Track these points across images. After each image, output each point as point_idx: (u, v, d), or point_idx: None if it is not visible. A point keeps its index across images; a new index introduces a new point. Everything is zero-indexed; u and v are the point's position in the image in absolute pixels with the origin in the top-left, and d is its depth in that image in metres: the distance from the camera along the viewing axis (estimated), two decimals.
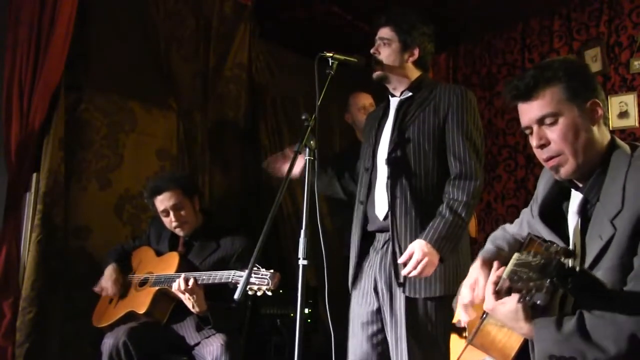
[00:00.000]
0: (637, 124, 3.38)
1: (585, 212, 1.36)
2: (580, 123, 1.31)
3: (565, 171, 1.33)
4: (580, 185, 1.37)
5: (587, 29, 3.66)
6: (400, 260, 1.93)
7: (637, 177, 1.24)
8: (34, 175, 2.65)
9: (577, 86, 1.32)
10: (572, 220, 1.40)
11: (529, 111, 1.35)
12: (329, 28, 3.94)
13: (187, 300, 2.31)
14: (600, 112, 1.33)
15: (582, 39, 3.68)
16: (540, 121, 1.33)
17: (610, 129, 3.45)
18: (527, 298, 1.08)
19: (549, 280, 1.06)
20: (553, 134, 1.32)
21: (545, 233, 1.47)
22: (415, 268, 1.87)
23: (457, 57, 4.49)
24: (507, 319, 1.25)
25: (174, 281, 2.39)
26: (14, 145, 2.53)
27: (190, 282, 2.28)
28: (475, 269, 1.56)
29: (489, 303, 1.26)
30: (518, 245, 1.62)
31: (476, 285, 1.49)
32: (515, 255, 1.14)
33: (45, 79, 2.58)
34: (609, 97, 3.48)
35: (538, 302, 1.07)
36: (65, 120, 2.75)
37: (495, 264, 1.36)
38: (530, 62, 3.95)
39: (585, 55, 3.61)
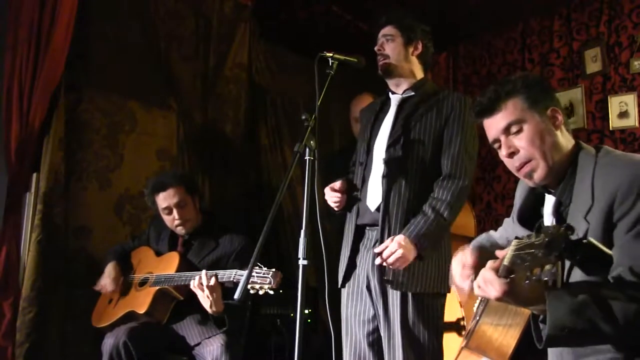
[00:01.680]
0: (637, 124, 3.37)
1: (559, 213, 1.41)
2: (544, 128, 1.38)
3: (538, 176, 1.38)
4: (553, 190, 1.42)
5: (587, 29, 3.66)
6: (376, 250, 1.96)
7: (603, 173, 1.29)
8: (34, 175, 2.66)
9: (536, 95, 1.41)
10: (548, 221, 1.45)
11: (495, 124, 1.42)
12: (329, 28, 3.94)
13: (205, 299, 2.24)
14: (560, 118, 1.41)
15: (582, 39, 3.67)
16: (506, 130, 1.40)
17: (610, 129, 3.46)
18: (534, 278, 1.07)
19: (555, 255, 1.06)
20: (520, 141, 1.38)
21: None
22: (388, 258, 1.90)
23: (457, 57, 4.49)
24: (522, 298, 1.22)
25: (174, 280, 2.40)
26: (14, 145, 2.53)
27: (213, 280, 2.23)
28: (458, 254, 1.63)
29: (500, 289, 1.19)
30: (500, 249, 1.65)
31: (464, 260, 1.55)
32: (515, 242, 1.14)
33: (45, 79, 2.58)
34: (609, 97, 3.49)
35: (546, 279, 1.06)
36: (65, 120, 2.75)
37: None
38: (530, 62, 3.95)
39: (585, 55, 3.61)
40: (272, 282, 2.07)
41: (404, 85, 2.18)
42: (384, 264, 1.92)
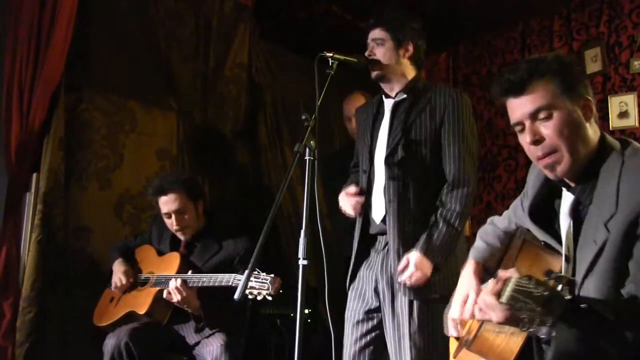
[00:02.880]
0: (637, 124, 3.37)
1: (577, 214, 1.32)
2: (575, 119, 1.27)
3: (561, 170, 1.28)
4: (572, 184, 1.33)
5: (587, 29, 3.66)
6: (398, 268, 1.98)
7: (630, 178, 1.20)
8: (34, 175, 2.66)
9: (572, 81, 1.28)
10: (564, 222, 1.37)
11: (522, 105, 1.29)
12: (328, 28, 3.94)
13: (179, 304, 2.32)
14: (593, 110, 1.30)
15: (582, 39, 3.67)
16: (534, 116, 1.27)
17: (610, 129, 3.45)
18: (532, 329, 1.05)
19: (553, 316, 1.03)
20: (547, 129, 1.26)
21: (538, 233, 1.45)
22: (410, 278, 1.95)
23: (457, 57, 4.49)
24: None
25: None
26: (14, 145, 2.53)
27: (178, 283, 2.30)
28: (467, 279, 1.55)
29: (502, 315, 1.16)
30: (509, 239, 1.60)
31: (467, 300, 1.46)
32: (515, 280, 1.09)
33: (45, 79, 2.58)
34: (609, 97, 3.48)
35: (542, 336, 1.04)
36: (65, 120, 2.75)
37: (491, 281, 1.29)
38: None
39: (585, 55, 3.61)
40: (271, 288, 2.08)
41: (397, 87, 2.17)
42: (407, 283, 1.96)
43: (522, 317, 1.06)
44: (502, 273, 1.27)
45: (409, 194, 2.05)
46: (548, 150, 1.27)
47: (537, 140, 1.27)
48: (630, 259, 1.16)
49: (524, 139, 1.31)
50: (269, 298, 2.10)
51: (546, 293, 1.04)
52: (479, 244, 1.65)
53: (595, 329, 1.11)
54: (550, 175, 1.32)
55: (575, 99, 1.28)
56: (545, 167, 1.30)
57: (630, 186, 1.19)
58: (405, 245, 2.02)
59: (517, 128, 1.33)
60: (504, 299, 1.10)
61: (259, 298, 2.10)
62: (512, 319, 1.15)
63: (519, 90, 1.29)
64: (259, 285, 2.08)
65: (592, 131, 1.30)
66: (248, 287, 2.04)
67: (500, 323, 1.18)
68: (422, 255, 1.95)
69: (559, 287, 1.06)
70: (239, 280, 2.21)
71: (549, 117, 1.26)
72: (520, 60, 1.39)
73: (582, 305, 1.06)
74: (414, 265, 1.94)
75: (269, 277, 2.10)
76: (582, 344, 1.10)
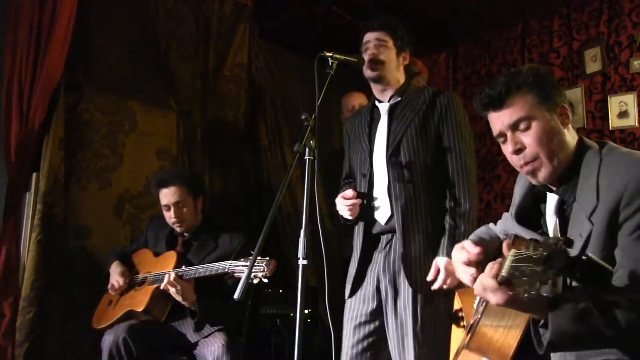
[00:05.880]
0: (637, 124, 3.37)
1: (562, 212, 1.39)
2: (553, 126, 1.35)
3: (542, 176, 1.35)
4: (555, 188, 1.40)
5: (587, 29, 3.66)
6: (429, 278, 1.99)
7: (608, 172, 1.27)
8: (34, 175, 2.66)
9: (548, 91, 1.37)
10: (551, 221, 1.43)
11: (503, 118, 1.37)
12: (328, 28, 3.94)
13: (176, 295, 2.35)
14: (569, 116, 1.38)
15: (582, 39, 3.67)
16: (515, 127, 1.35)
17: (611, 129, 3.46)
18: (534, 292, 1.06)
19: (554, 272, 1.05)
20: (528, 138, 1.34)
21: (526, 234, 1.49)
22: (444, 283, 1.96)
23: (457, 57, 4.49)
24: (523, 306, 1.20)
25: None
26: (14, 145, 2.53)
27: (172, 276, 2.33)
28: (458, 250, 1.56)
29: (501, 297, 1.17)
30: (499, 242, 1.63)
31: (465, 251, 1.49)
32: (513, 252, 1.11)
33: (45, 79, 2.58)
34: (609, 97, 3.49)
35: (545, 294, 1.05)
36: (65, 120, 2.75)
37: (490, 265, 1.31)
38: (530, 62, 3.94)
39: (585, 55, 3.61)
40: (267, 270, 2.10)
41: (390, 91, 2.20)
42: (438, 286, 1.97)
43: (523, 281, 1.06)
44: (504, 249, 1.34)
45: (414, 192, 2.07)
46: (529, 159, 1.35)
47: (519, 150, 1.36)
48: (616, 247, 1.21)
49: (507, 149, 1.39)
50: (265, 281, 2.11)
51: (545, 253, 1.05)
52: (470, 238, 1.71)
53: (591, 308, 1.12)
54: (533, 181, 1.41)
55: (553, 107, 1.36)
56: (528, 174, 1.39)
57: (608, 179, 1.26)
58: (415, 243, 2.04)
59: (500, 140, 1.41)
60: (504, 272, 1.12)
61: (255, 282, 2.10)
62: (510, 301, 1.16)
63: (498, 104, 1.37)
64: (255, 268, 2.08)
65: (571, 136, 1.38)
66: (243, 273, 2.05)
67: (498, 305, 1.18)
68: (450, 259, 1.93)
69: (560, 245, 1.06)
70: (235, 266, 2.26)
71: (528, 128, 1.35)
72: (497, 75, 1.47)
73: (583, 257, 1.07)
74: (445, 271, 1.95)
75: (264, 260, 2.12)
76: (578, 324, 1.12)
